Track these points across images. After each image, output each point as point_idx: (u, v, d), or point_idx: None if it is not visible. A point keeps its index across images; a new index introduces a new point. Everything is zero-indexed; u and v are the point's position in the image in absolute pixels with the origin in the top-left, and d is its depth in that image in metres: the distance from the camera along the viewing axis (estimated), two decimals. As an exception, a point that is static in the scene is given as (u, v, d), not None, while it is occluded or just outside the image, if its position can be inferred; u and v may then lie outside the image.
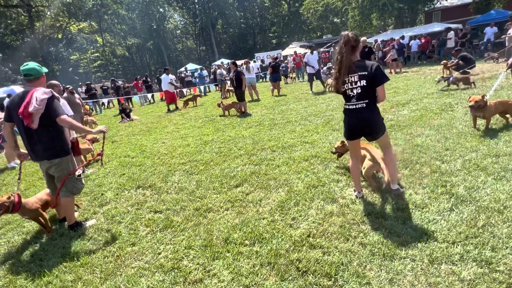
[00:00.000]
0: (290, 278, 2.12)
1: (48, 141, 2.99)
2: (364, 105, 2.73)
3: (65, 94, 9.42)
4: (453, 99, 6.64)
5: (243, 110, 8.99)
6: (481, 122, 4.64)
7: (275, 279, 2.14)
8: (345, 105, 2.87)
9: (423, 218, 2.59)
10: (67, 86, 10.20)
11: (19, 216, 3.74)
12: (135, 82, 18.83)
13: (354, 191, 3.15)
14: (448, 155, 3.75)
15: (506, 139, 3.97)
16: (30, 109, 2.76)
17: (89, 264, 2.63)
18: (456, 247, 2.19)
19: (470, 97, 4.39)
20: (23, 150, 3.17)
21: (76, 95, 9.73)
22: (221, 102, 9.74)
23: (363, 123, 2.81)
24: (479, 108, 4.27)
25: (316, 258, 2.28)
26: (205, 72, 20.60)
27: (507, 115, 4.51)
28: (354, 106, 2.78)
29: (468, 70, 9.23)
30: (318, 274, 2.12)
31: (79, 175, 3.21)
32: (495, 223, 2.39)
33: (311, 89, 11.11)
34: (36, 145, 2.98)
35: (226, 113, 9.23)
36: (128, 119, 11.25)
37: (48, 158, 3.02)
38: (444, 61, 10.38)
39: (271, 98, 11.38)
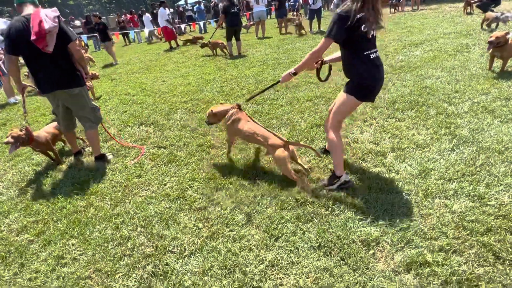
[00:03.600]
0: (289, 207, 2.25)
1: (66, 67, 2.77)
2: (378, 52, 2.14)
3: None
4: (470, 40, 6.21)
5: (227, 52, 8.34)
6: (496, 65, 4.40)
7: (275, 208, 2.26)
8: (367, 53, 2.05)
9: (423, 157, 2.63)
10: None
11: (27, 149, 3.85)
12: (130, 16, 17.54)
13: (338, 176, 2.33)
14: (457, 97, 3.64)
15: (520, 82, 3.81)
16: (47, 26, 2.48)
17: (99, 193, 2.77)
18: (452, 183, 2.26)
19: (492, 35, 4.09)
20: (24, 82, 3.00)
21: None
22: (209, 41, 9.02)
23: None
24: (499, 47, 4.01)
25: (315, 191, 2.38)
26: (203, 6, 18.96)
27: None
28: (377, 54, 2.12)
29: (492, 9, 8.44)
30: (316, 205, 2.23)
31: (98, 107, 3.16)
32: (493, 162, 2.42)
33: (311, 28, 10.25)
34: (51, 73, 2.74)
35: (215, 52, 8.74)
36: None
37: (67, 86, 2.82)
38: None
39: (276, 36, 10.69)
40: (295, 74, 2.29)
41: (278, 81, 2.46)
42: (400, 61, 5.43)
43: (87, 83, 5.39)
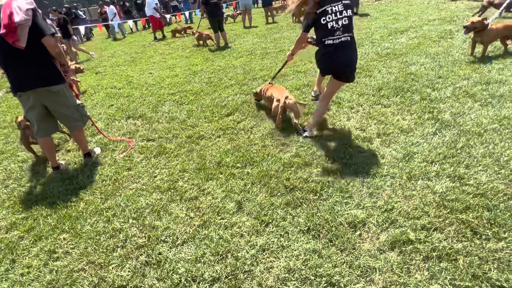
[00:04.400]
0: (279, 194, 2.30)
1: (43, 63, 2.57)
2: (349, 38, 2.52)
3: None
4: (454, 26, 6.31)
5: (214, 42, 8.13)
6: (478, 50, 4.51)
7: (265, 195, 2.31)
8: (323, 39, 2.50)
9: (407, 141, 2.71)
10: None
11: (12, 145, 3.77)
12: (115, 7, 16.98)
13: (304, 130, 3.02)
14: (440, 83, 3.73)
15: (500, 66, 3.93)
16: (17, 19, 2.27)
17: (88, 187, 2.76)
18: (434, 165, 2.35)
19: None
20: None
21: (49, 21, 8.75)
22: (195, 31, 8.87)
23: (353, 59, 2.61)
24: (479, 32, 4.11)
25: (303, 178, 2.43)
26: None
27: (508, 41, 4.36)
28: (338, 40, 2.49)
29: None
30: (305, 190, 2.29)
31: (82, 104, 3.01)
32: (473, 144, 2.52)
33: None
34: (29, 70, 2.54)
35: (201, 43, 8.60)
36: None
37: (47, 83, 2.61)
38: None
39: (263, 25, 10.59)
40: (292, 54, 3.01)
41: (286, 61, 3.23)
42: (386, 48, 5.49)
43: (72, 78, 5.29)
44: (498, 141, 2.50)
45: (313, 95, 3.56)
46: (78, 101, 2.98)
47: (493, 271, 1.54)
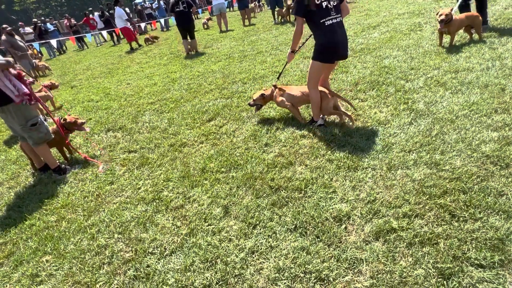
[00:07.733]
0: (264, 195, 2.31)
1: None
2: (340, 18, 2.69)
3: (3, 37, 8.22)
4: (422, 19, 6.55)
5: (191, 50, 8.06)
6: (446, 40, 4.70)
7: (250, 197, 2.32)
8: (322, 21, 2.59)
9: (385, 133, 2.79)
10: (4, 26, 8.83)
11: (-16, 169, 3.60)
12: (85, 18, 16.58)
13: (315, 121, 3.08)
14: (412, 74, 3.87)
15: (467, 55, 4.11)
16: None
17: (70, 205, 2.68)
18: (411, 154, 2.43)
19: (438, 12, 4.36)
20: None
21: (17, 37, 8.53)
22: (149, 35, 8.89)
23: (346, 39, 2.73)
24: (448, 22, 4.29)
25: (288, 177, 2.46)
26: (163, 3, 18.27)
27: (472, 30, 4.57)
28: (335, 20, 2.62)
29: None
30: (290, 189, 2.31)
31: (33, 124, 2.92)
32: (446, 131, 2.63)
33: (274, 18, 10.33)
34: None
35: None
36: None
37: None
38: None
39: (240, 28, 10.63)
40: (293, 51, 2.92)
41: (287, 62, 3.15)
42: (360, 44, 5.64)
43: (44, 93, 5.10)
44: (469, 126, 2.62)
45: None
46: (30, 122, 2.90)
47: (472, 251, 1.61)
